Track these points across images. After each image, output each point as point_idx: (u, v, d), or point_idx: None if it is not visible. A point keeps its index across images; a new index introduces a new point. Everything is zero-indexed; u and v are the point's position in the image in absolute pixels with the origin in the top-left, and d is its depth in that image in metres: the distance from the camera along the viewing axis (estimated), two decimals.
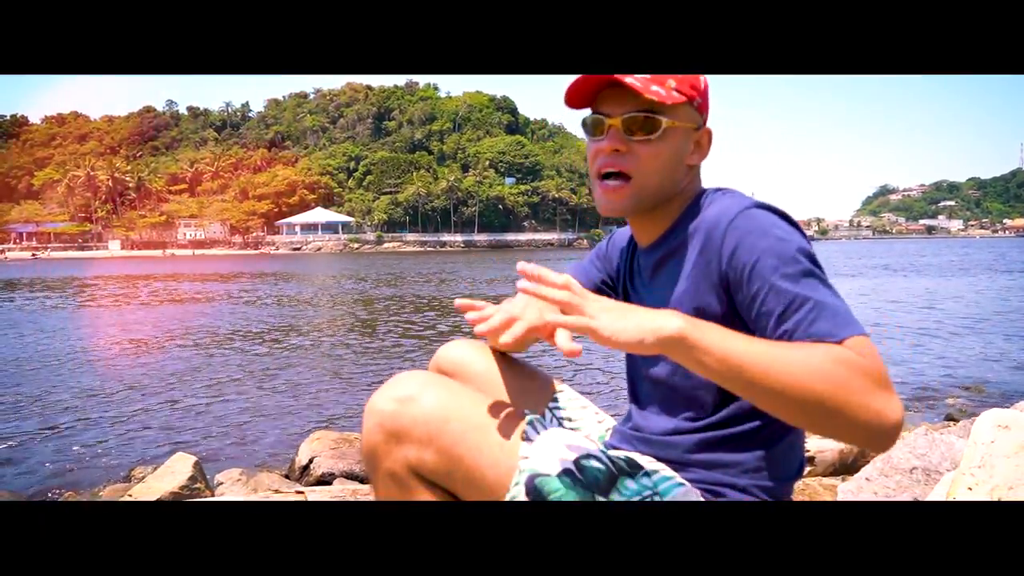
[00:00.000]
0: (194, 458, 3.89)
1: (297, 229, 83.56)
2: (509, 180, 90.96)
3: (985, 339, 10.04)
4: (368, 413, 1.06)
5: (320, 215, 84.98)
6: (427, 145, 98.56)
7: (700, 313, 0.99)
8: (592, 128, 1.12)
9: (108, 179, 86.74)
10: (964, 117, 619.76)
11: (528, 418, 1.10)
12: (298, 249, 77.87)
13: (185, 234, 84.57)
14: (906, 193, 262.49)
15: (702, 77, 1.12)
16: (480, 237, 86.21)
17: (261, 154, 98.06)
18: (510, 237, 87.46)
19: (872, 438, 0.84)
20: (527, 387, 1.30)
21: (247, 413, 6.14)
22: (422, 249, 79.83)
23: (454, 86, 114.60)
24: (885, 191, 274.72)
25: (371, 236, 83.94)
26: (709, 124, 1.16)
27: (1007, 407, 5.84)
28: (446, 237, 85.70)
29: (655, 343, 0.87)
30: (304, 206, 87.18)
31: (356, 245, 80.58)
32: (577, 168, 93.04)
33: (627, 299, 1.24)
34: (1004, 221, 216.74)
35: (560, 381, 1.37)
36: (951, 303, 15.85)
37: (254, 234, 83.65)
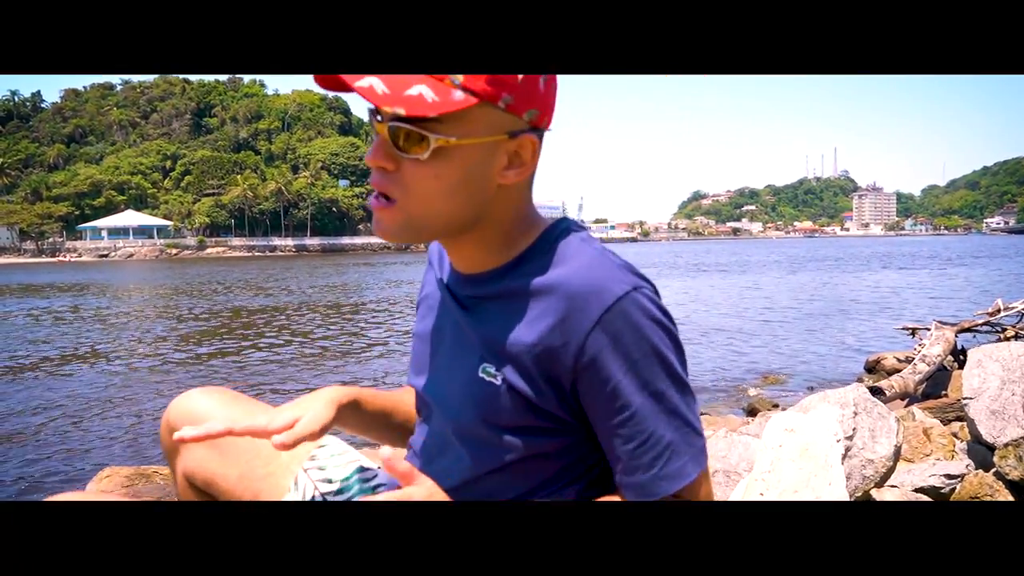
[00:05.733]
0: None
1: (104, 234, 75.60)
2: (343, 183, 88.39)
3: (782, 331, 11.12)
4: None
5: (131, 218, 77.38)
6: (254, 144, 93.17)
7: (521, 392, 0.84)
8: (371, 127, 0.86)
9: None
10: (761, 128, 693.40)
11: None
12: (105, 256, 70.36)
13: None
14: (715, 198, 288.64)
15: None
16: (313, 241, 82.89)
17: (58, 149, 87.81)
18: (345, 241, 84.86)
19: None
20: None
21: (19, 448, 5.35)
22: (250, 254, 75.15)
23: (282, 84, 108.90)
24: (698, 196, 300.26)
25: (192, 241, 77.87)
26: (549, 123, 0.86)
27: (798, 395, 6.45)
28: (276, 241, 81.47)
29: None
30: (112, 208, 79.19)
31: (175, 251, 74.30)
32: None
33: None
34: (794, 224, 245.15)
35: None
36: (759, 299, 17.48)
37: (50, 240, 74.44)
